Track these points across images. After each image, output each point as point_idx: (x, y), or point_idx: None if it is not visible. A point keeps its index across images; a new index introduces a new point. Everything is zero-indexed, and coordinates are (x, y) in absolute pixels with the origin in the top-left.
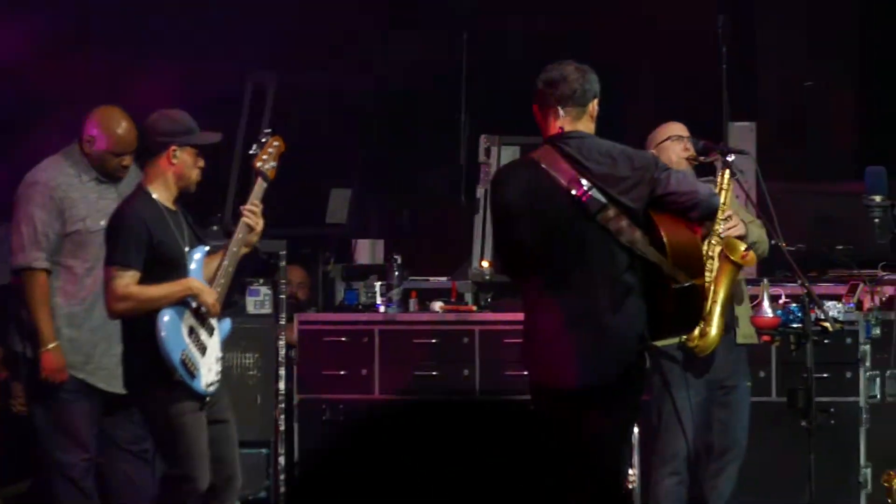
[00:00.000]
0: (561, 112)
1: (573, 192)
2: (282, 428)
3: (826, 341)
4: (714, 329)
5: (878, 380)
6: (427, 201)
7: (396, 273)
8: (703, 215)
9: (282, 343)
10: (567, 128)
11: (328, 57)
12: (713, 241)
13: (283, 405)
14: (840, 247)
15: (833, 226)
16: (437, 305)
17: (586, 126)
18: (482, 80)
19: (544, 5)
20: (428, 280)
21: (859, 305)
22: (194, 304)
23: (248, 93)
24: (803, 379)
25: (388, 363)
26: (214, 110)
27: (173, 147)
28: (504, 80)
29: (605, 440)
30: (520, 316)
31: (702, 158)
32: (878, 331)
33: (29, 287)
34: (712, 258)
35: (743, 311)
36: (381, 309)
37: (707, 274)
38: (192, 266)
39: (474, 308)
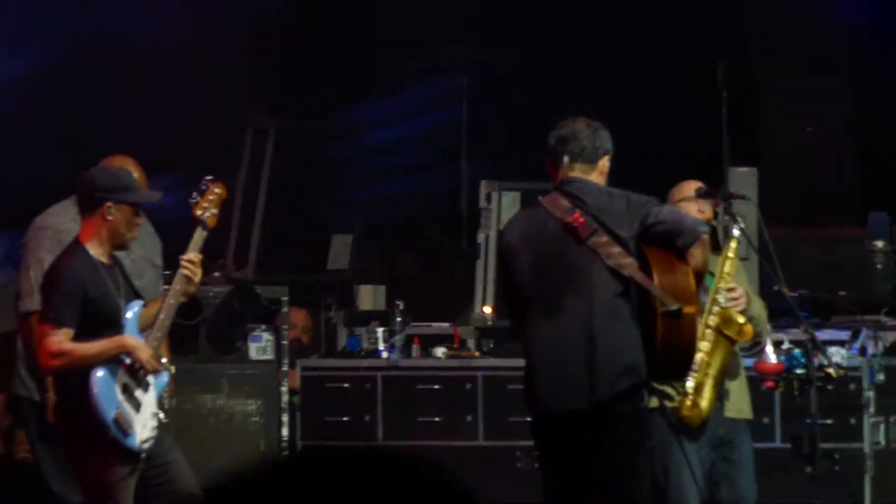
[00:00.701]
0: (572, 168)
1: (566, 219)
2: None
3: (830, 387)
4: (705, 402)
5: (882, 426)
6: (428, 247)
7: (399, 319)
8: (686, 242)
9: (284, 389)
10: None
11: (327, 102)
12: (714, 310)
13: (286, 452)
14: (843, 292)
15: (836, 271)
16: (440, 351)
17: (596, 181)
18: (483, 126)
19: (545, 54)
20: (430, 326)
21: (862, 351)
22: (128, 361)
23: (249, 138)
24: (807, 425)
25: (392, 409)
26: (214, 154)
27: (108, 204)
28: (505, 126)
29: (607, 468)
30: (521, 361)
31: (715, 221)
32: (881, 376)
33: (36, 331)
34: (710, 328)
35: (735, 386)
36: (384, 355)
37: (704, 344)
38: (127, 320)
39: (477, 354)
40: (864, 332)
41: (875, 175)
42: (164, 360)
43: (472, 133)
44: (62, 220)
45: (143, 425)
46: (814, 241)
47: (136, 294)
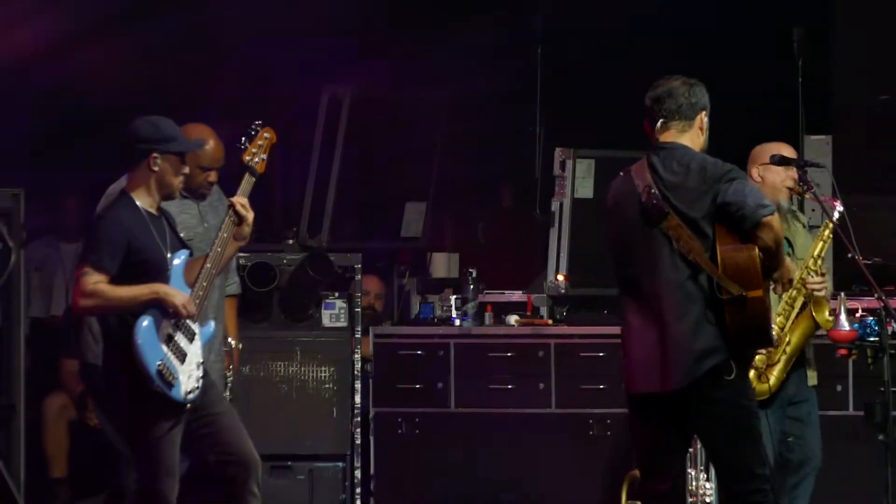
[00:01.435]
0: (668, 126)
1: (643, 198)
2: (357, 441)
3: None
4: (773, 379)
5: None
6: (502, 215)
7: (471, 286)
8: (751, 225)
9: (357, 356)
10: (668, 140)
11: (403, 69)
12: (798, 288)
13: (358, 419)
14: None
15: None
16: (513, 319)
17: (692, 138)
18: (557, 93)
19: (617, 23)
20: (503, 294)
21: None
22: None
23: (324, 105)
24: (880, 393)
25: (464, 377)
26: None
27: (154, 154)
28: (579, 93)
29: (710, 440)
30: (594, 329)
31: (803, 193)
32: None
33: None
34: (793, 308)
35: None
36: (457, 322)
37: (782, 321)
38: (174, 267)
39: (549, 322)
40: None
41: None
42: (208, 315)
43: (547, 100)
44: None
45: (189, 376)
46: (888, 208)
47: (183, 245)
